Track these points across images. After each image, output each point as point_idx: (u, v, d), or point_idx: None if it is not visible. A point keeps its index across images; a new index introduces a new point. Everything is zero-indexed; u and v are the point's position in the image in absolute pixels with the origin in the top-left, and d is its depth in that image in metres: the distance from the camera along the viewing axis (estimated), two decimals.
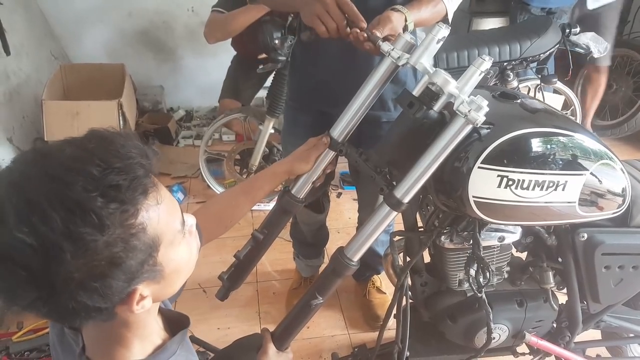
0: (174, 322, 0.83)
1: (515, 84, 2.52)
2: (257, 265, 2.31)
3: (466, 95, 0.93)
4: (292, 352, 1.90)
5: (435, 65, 2.42)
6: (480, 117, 0.90)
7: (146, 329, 0.73)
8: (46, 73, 2.95)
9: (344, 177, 2.94)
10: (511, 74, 2.47)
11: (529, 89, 2.73)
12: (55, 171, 0.53)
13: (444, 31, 0.97)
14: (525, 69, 2.53)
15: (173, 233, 0.64)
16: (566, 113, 3.01)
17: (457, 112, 0.92)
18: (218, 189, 2.80)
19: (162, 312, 0.81)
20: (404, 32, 1.08)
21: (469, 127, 0.94)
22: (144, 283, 0.62)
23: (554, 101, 2.98)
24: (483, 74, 0.93)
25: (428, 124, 1.00)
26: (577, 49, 2.60)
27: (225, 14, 2.32)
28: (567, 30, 2.50)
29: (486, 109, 0.90)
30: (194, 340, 1.91)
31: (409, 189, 1.01)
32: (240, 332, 2.00)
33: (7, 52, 2.42)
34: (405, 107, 1.00)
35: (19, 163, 0.57)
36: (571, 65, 2.55)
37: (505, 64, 2.45)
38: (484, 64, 0.91)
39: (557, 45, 2.51)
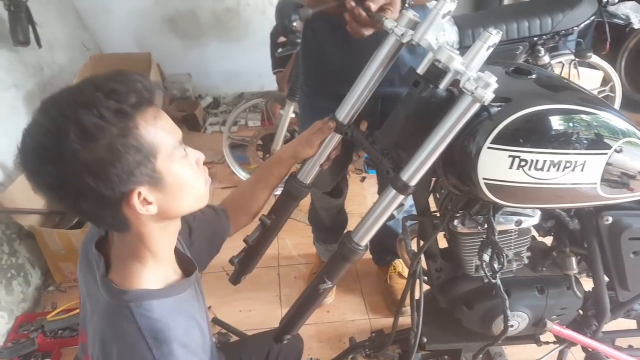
0: (186, 267, 0.93)
1: (546, 59, 2.39)
2: (280, 249, 2.36)
3: (473, 72, 0.88)
4: (312, 336, 1.92)
5: (461, 42, 2.33)
6: (487, 95, 0.85)
7: (160, 249, 0.83)
8: (79, 64, 3.02)
9: (367, 161, 2.89)
10: (542, 49, 2.34)
11: (563, 65, 2.60)
12: (75, 85, 0.71)
13: (449, 5, 0.92)
14: (557, 43, 2.39)
15: (170, 147, 0.75)
16: (604, 89, 2.85)
17: (463, 89, 0.87)
18: (242, 175, 2.81)
19: (177, 254, 0.91)
20: (404, 5, 1.04)
21: (476, 106, 0.89)
22: (145, 187, 0.73)
23: (592, 77, 2.82)
24: (491, 49, 0.88)
25: (435, 103, 0.96)
26: (615, 20, 2.44)
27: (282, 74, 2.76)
28: (604, 0, 2.34)
29: (494, 86, 0.85)
30: (217, 322, 1.95)
31: (415, 171, 0.97)
32: (260, 315, 2.02)
33: (39, 45, 2.48)
34: (411, 86, 0.96)
35: None
36: (608, 38, 2.40)
37: (535, 38, 2.33)
38: (491, 37, 0.86)
39: (593, 17, 2.36)
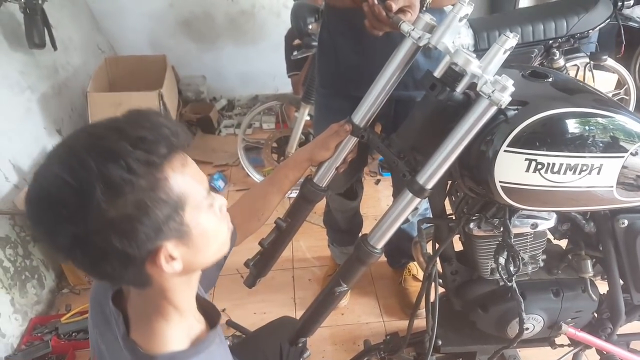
0: (208, 312, 0.88)
1: (561, 62, 2.38)
2: (294, 252, 2.37)
3: (490, 75, 0.88)
4: (327, 339, 1.93)
5: (476, 45, 2.33)
6: (504, 98, 0.85)
7: (185, 302, 0.77)
8: (93, 66, 3.06)
9: (382, 163, 2.90)
10: (557, 52, 2.34)
11: (578, 68, 2.59)
12: (96, 130, 0.63)
13: (466, 8, 0.93)
14: (573, 46, 2.39)
15: (199, 197, 0.69)
16: (618, 92, 2.84)
17: (480, 92, 0.88)
18: (257, 177, 2.83)
19: (197, 300, 0.84)
20: (422, 7, 1.05)
21: (493, 109, 0.89)
22: (172, 242, 0.66)
23: (606, 80, 2.80)
24: (508, 52, 0.89)
25: (452, 107, 0.96)
26: (630, 24, 2.43)
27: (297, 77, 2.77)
28: (620, 3, 2.33)
29: (511, 89, 0.85)
30: (231, 324, 1.96)
31: (431, 174, 0.98)
32: (275, 317, 2.02)
33: (54, 47, 2.52)
34: (427, 89, 0.97)
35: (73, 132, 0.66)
36: (623, 41, 2.39)
37: (550, 42, 2.32)
38: (508, 41, 0.87)
39: (608, 20, 2.35)
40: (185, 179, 0.67)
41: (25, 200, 0.64)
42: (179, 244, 0.68)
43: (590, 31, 2.31)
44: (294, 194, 1.23)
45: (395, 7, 1.03)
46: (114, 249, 0.61)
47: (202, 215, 0.70)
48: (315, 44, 2.18)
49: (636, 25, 2.43)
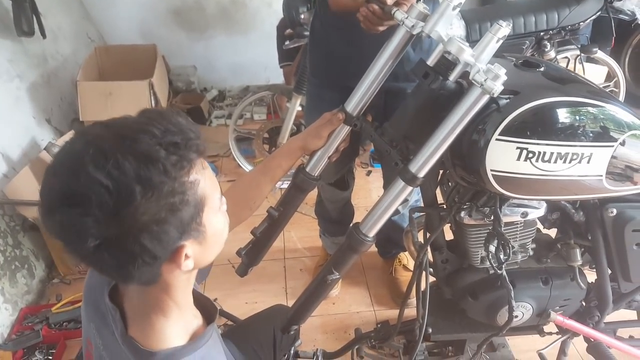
0: (205, 307, 0.88)
1: (552, 54, 2.40)
2: (285, 242, 2.37)
3: (483, 64, 0.89)
4: (317, 327, 1.94)
5: (468, 36, 2.34)
6: (497, 87, 0.86)
7: (184, 297, 0.78)
8: (83, 55, 3.02)
9: (373, 155, 2.90)
10: (548, 44, 2.35)
11: (569, 60, 2.60)
12: (124, 132, 0.62)
13: None
14: (564, 38, 2.40)
15: (215, 199, 0.72)
16: (608, 85, 2.86)
17: (472, 81, 0.88)
18: (248, 168, 2.82)
19: (194, 295, 0.85)
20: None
21: (485, 98, 0.90)
22: (190, 241, 0.69)
23: (596, 72, 2.82)
24: (501, 41, 0.89)
25: (445, 95, 0.97)
26: (621, 16, 2.44)
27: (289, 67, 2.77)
28: None
29: (504, 78, 0.86)
30: (222, 313, 1.96)
31: (424, 163, 0.99)
32: (266, 307, 2.03)
33: (44, 36, 2.49)
34: (420, 78, 0.97)
35: (89, 129, 0.65)
36: (614, 34, 2.40)
37: (541, 33, 2.33)
38: (501, 30, 0.87)
39: (599, 12, 2.36)
40: (205, 181, 0.69)
41: (42, 203, 0.62)
42: (194, 243, 0.70)
43: (581, 23, 2.33)
44: (284, 185, 1.23)
45: (390, 1, 1.04)
46: (144, 250, 0.62)
47: (215, 214, 0.73)
48: (307, 33, 2.17)
49: (627, 18, 2.45)
